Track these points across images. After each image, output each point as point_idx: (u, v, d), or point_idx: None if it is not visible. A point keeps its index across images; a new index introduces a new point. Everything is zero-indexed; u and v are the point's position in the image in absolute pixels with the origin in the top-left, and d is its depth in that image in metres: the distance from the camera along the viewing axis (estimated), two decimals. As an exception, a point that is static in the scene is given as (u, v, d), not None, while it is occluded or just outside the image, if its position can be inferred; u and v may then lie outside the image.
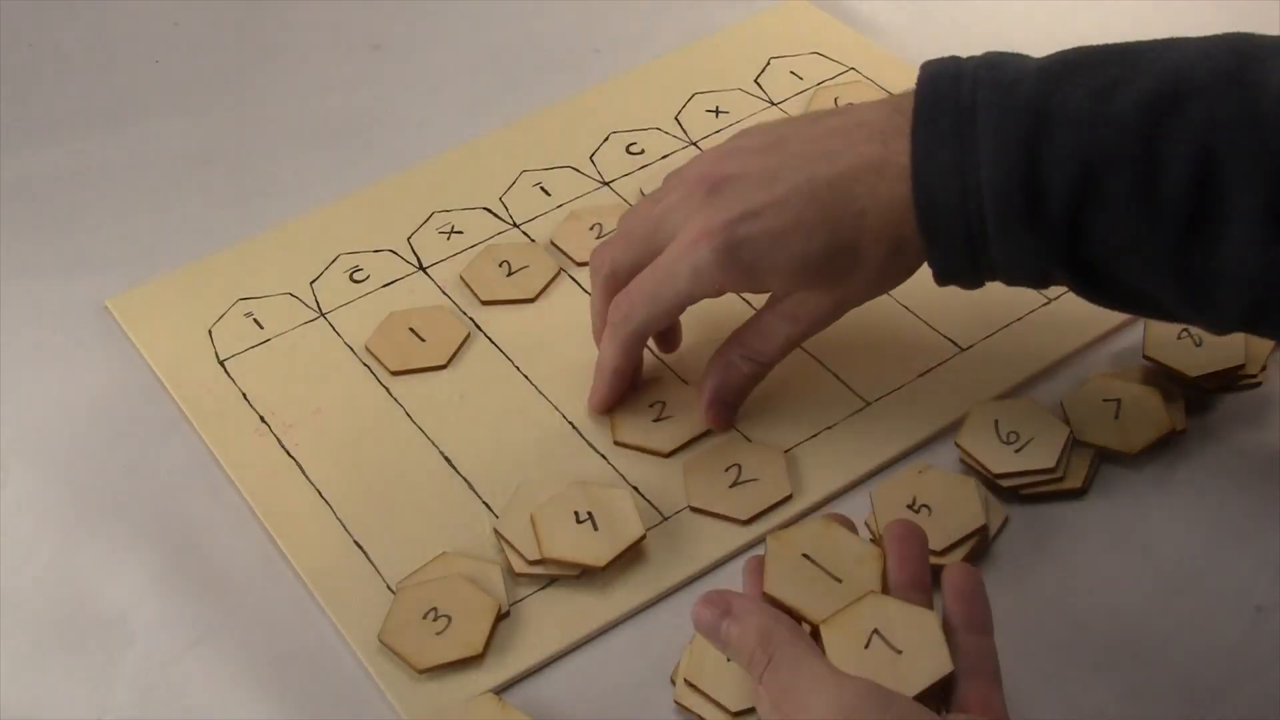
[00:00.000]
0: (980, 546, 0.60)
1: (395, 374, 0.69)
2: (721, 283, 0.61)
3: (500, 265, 0.74)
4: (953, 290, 0.61)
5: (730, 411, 0.65)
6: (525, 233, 0.76)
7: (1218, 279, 0.54)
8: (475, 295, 0.73)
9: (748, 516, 0.62)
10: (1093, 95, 0.55)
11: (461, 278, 0.74)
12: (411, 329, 0.70)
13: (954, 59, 0.59)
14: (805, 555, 0.55)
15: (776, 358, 0.64)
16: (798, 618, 0.53)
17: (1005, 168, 0.55)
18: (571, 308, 0.72)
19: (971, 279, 0.60)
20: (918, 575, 0.54)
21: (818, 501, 0.63)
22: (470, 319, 0.72)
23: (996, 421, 0.64)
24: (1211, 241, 0.54)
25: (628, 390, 0.66)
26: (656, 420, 0.66)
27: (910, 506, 0.61)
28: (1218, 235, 0.53)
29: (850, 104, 0.61)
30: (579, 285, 0.73)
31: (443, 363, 0.69)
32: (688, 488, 0.63)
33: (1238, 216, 0.53)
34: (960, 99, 0.57)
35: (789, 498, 0.63)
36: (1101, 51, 0.58)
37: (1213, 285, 0.55)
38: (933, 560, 0.59)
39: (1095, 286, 0.58)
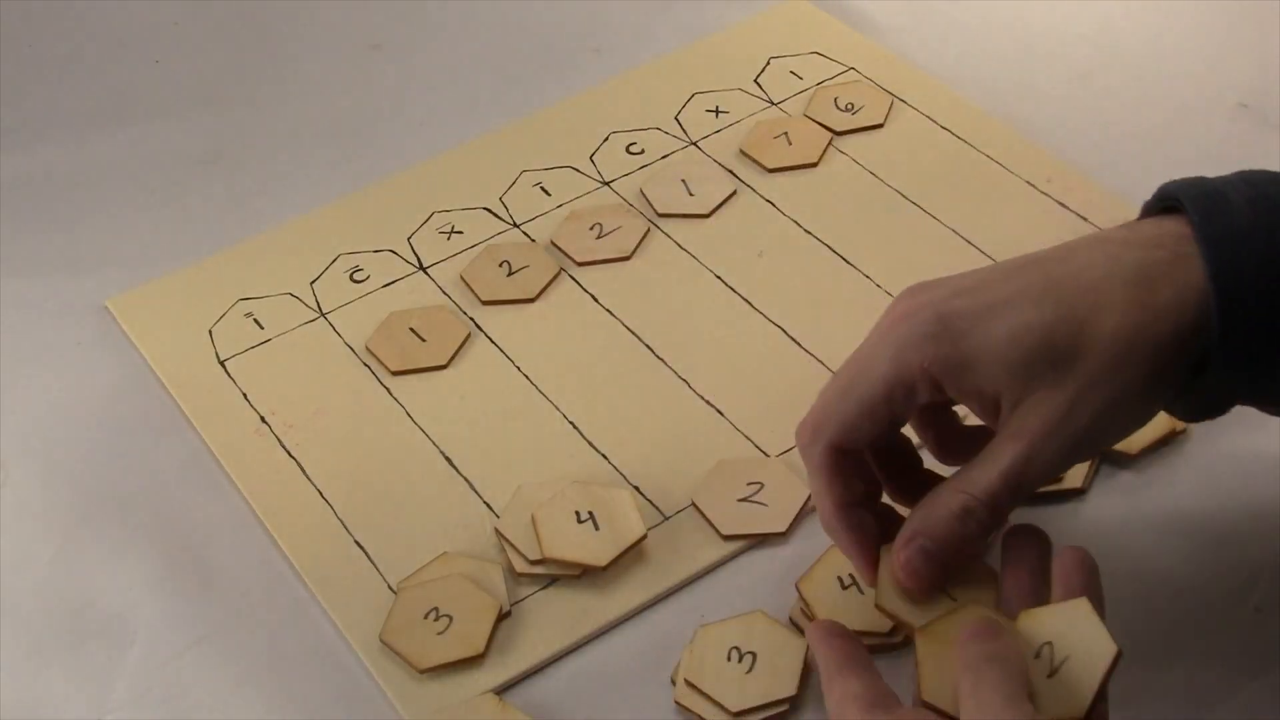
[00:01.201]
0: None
1: (395, 374, 0.69)
2: (929, 357, 0.49)
3: (500, 265, 0.74)
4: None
5: (930, 564, 0.50)
6: (525, 233, 0.76)
7: None
8: (475, 295, 0.73)
9: (785, 527, 0.62)
10: None
11: (462, 277, 0.74)
12: (412, 329, 0.70)
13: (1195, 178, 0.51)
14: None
15: (997, 489, 0.49)
16: None
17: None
18: (572, 308, 0.72)
19: (1262, 377, 0.50)
20: (1032, 580, 0.49)
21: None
22: (470, 319, 0.72)
23: None
24: None
25: (875, 533, 0.53)
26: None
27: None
28: None
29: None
30: (579, 285, 0.73)
31: (443, 363, 0.69)
32: (715, 521, 0.62)
33: None
34: (1238, 204, 0.49)
35: (809, 498, 0.63)
36: None
37: None
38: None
39: None
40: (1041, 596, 0.50)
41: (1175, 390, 0.50)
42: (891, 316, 0.51)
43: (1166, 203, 0.52)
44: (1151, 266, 0.49)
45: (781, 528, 0.62)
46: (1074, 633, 0.48)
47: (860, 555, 0.53)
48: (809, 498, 0.62)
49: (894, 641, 0.57)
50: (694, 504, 0.63)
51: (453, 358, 0.69)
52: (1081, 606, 0.48)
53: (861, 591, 0.58)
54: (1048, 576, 0.50)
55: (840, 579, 0.59)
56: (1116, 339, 0.48)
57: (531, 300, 0.72)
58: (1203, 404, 0.52)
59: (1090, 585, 0.49)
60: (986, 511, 0.49)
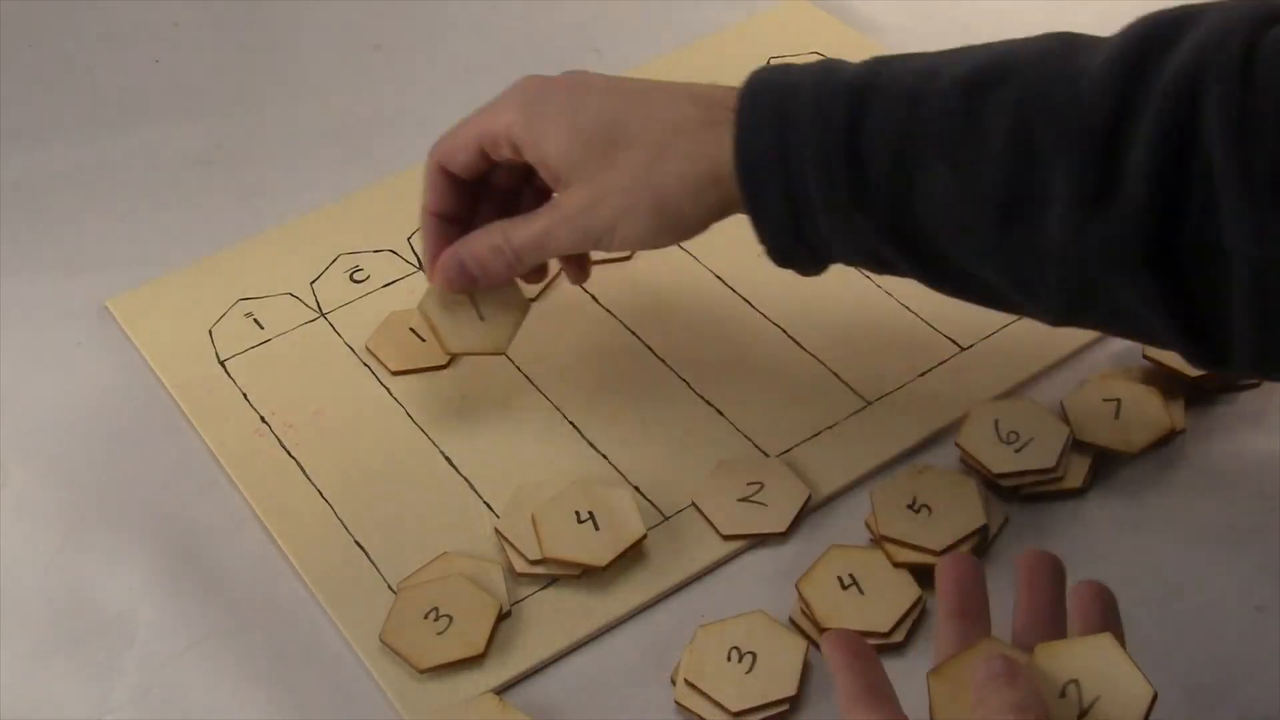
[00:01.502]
0: (980, 546, 0.60)
1: (396, 374, 0.69)
2: (510, 121, 0.61)
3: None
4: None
5: (461, 274, 0.64)
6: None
7: (1040, 261, 0.53)
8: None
9: (785, 527, 0.62)
10: (917, 74, 0.55)
11: None
12: (412, 329, 0.70)
13: (787, 64, 0.59)
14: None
15: (523, 243, 0.62)
16: None
17: (827, 140, 0.55)
18: (572, 308, 0.72)
19: (806, 260, 0.59)
20: (1050, 610, 0.51)
21: (817, 502, 0.63)
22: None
23: (996, 421, 0.64)
24: (1031, 220, 0.53)
25: (446, 228, 0.65)
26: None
27: (910, 506, 0.61)
28: (1037, 214, 0.52)
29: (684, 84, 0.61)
30: (579, 285, 0.73)
31: (443, 363, 0.69)
32: (715, 521, 0.63)
33: (1055, 195, 0.52)
34: (788, 81, 0.57)
35: (809, 498, 0.63)
36: (936, 53, 0.58)
37: (1036, 267, 0.54)
38: (932, 560, 0.59)
39: (928, 269, 0.57)
40: (1059, 628, 0.50)
41: (692, 225, 0.60)
42: (524, 81, 0.63)
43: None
44: (698, 123, 0.58)
45: (781, 527, 0.62)
46: (1102, 670, 0.46)
47: (428, 251, 0.65)
48: (809, 497, 0.63)
49: (894, 642, 0.57)
50: (694, 504, 0.63)
51: (453, 358, 0.69)
52: (1107, 642, 0.47)
53: (861, 591, 0.58)
54: (1064, 606, 0.51)
55: (840, 579, 0.59)
56: (635, 170, 0.59)
57: (532, 300, 0.72)
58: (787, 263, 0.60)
59: (1110, 620, 0.50)
60: (514, 257, 0.63)
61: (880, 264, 0.58)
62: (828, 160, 0.55)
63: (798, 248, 0.58)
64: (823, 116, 0.55)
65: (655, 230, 0.60)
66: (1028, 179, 0.52)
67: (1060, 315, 0.56)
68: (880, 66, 0.56)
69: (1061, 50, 0.54)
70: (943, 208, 0.54)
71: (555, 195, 0.62)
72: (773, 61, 0.60)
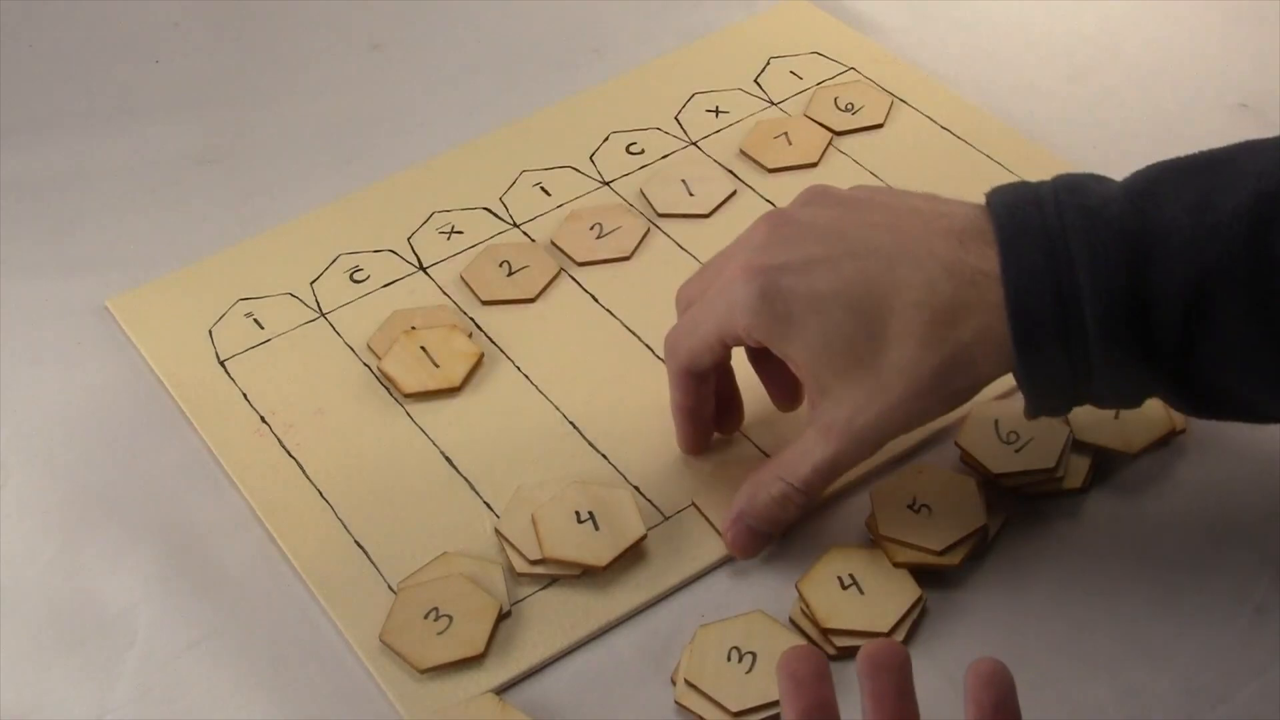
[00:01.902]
0: (980, 546, 0.60)
1: (408, 397, 0.68)
2: (749, 325, 0.57)
3: (500, 265, 0.74)
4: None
5: (755, 540, 0.60)
6: (525, 233, 0.76)
7: None
8: (475, 295, 0.73)
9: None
10: (1190, 209, 0.52)
11: (462, 277, 0.74)
12: (423, 348, 0.69)
13: (1023, 183, 0.56)
14: None
15: (809, 479, 0.58)
16: None
17: (1109, 293, 0.52)
18: (572, 308, 0.72)
19: (1063, 407, 0.57)
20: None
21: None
22: (471, 319, 0.72)
23: (996, 421, 0.64)
24: None
25: (709, 429, 0.64)
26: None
27: (910, 506, 0.61)
28: None
29: (936, 195, 0.58)
30: (579, 285, 0.73)
31: (457, 385, 0.68)
32: (715, 521, 0.62)
33: None
34: (1047, 223, 0.53)
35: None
36: (1184, 163, 0.55)
37: None
38: (932, 560, 0.59)
39: (1201, 402, 0.55)
40: None
41: (974, 391, 0.57)
42: (737, 269, 0.57)
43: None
44: (960, 305, 0.54)
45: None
46: None
47: (686, 434, 0.64)
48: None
49: (883, 630, 0.57)
50: (694, 504, 0.63)
51: (465, 382, 0.69)
52: None
53: (861, 591, 0.58)
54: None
55: (840, 579, 0.59)
56: (917, 371, 0.55)
57: (531, 300, 0.72)
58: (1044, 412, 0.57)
59: (1003, 703, 0.46)
60: (802, 497, 0.59)
61: (1140, 402, 0.57)
62: (1110, 316, 0.52)
63: (1062, 402, 0.56)
64: (1101, 268, 0.52)
65: (944, 412, 0.58)
66: None
67: None
68: (1145, 204, 0.53)
69: None
70: (1235, 348, 0.53)
71: (818, 405, 0.57)
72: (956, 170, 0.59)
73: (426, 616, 0.59)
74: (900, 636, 0.57)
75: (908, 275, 0.55)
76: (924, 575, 0.59)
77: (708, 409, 0.63)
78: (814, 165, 0.78)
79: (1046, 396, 0.56)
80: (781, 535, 0.61)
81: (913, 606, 0.58)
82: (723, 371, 0.63)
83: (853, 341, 0.55)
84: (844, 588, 0.58)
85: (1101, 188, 0.55)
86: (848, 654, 0.57)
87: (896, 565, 0.59)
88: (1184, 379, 0.54)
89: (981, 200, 0.56)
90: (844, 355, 0.55)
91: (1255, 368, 0.53)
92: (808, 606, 0.58)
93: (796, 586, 0.59)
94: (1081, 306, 0.52)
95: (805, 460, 0.58)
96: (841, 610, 0.58)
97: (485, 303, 0.72)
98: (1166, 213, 0.53)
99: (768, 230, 0.58)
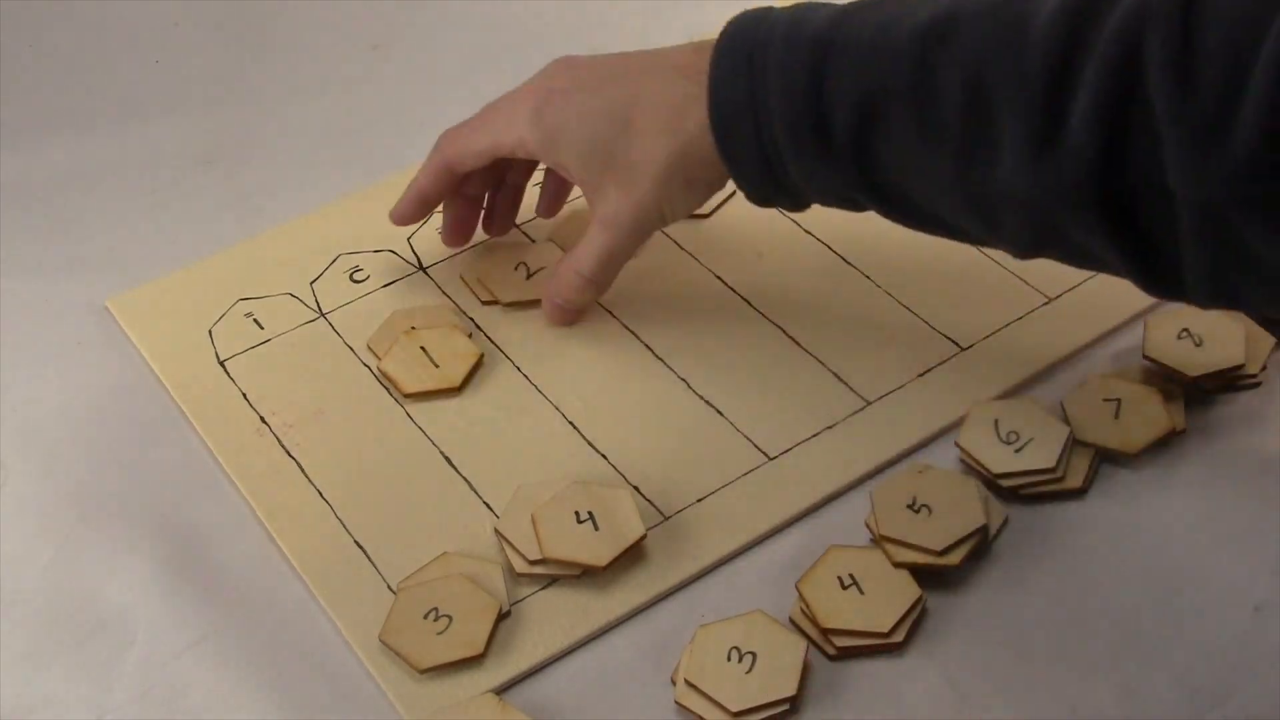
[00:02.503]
0: (980, 546, 0.60)
1: (409, 396, 0.68)
2: (527, 140, 0.66)
3: (501, 265, 0.74)
4: (952, 289, 0.61)
5: (564, 314, 0.70)
6: (525, 233, 0.76)
7: (1000, 201, 0.56)
8: (475, 296, 0.73)
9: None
10: (875, 27, 0.58)
11: (462, 278, 0.73)
12: (423, 348, 0.70)
13: (767, 7, 0.62)
14: None
15: (595, 267, 0.68)
16: None
17: (792, 96, 0.59)
18: (572, 308, 0.72)
19: (786, 203, 0.65)
20: None
21: (817, 501, 0.63)
22: (471, 319, 0.72)
23: (996, 421, 0.64)
24: (987, 165, 0.55)
25: (427, 213, 0.72)
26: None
27: (910, 507, 0.61)
28: (992, 159, 0.55)
29: (664, 47, 0.68)
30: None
31: (457, 385, 0.68)
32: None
33: (1007, 140, 0.54)
34: (758, 35, 0.61)
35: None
36: None
37: (996, 207, 0.57)
38: (932, 560, 0.59)
39: (897, 211, 0.61)
40: None
41: (717, 182, 0.66)
42: (520, 92, 0.68)
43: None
44: (689, 99, 0.63)
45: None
46: None
47: (410, 212, 0.72)
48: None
49: (894, 642, 0.57)
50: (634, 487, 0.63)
51: (465, 382, 0.69)
52: None
53: (861, 591, 0.58)
54: None
55: (840, 579, 0.59)
56: (655, 159, 0.64)
57: (536, 301, 0.72)
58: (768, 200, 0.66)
59: None
60: (595, 282, 0.69)
61: (854, 206, 0.63)
62: (793, 117, 0.59)
63: (775, 193, 0.64)
64: (788, 75, 0.59)
65: (694, 201, 0.67)
66: (983, 125, 0.55)
67: (1027, 251, 0.59)
68: (844, 20, 0.59)
69: None
70: (903, 157, 0.58)
71: (592, 204, 0.67)
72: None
73: (426, 616, 0.59)
74: (900, 637, 0.57)
75: (650, 82, 0.65)
76: (924, 575, 0.59)
77: (439, 203, 0.72)
78: (814, 165, 0.78)
79: (757, 188, 0.64)
80: (581, 313, 0.71)
81: (913, 606, 0.58)
82: (508, 187, 0.74)
83: (610, 143, 0.65)
84: (844, 588, 0.58)
85: (822, 9, 0.61)
86: (848, 654, 0.57)
87: (896, 565, 0.59)
88: (874, 186, 0.60)
89: None
90: (604, 157, 0.65)
91: (928, 181, 0.58)
92: (808, 606, 0.58)
93: (796, 586, 0.59)
94: (770, 105, 0.60)
95: (589, 251, 0.68)
96: (841, 610, 0.58)
97: (485, 303, 0.72)
98: (856, 29, 0.59)
99: (543, 73, 0.68)
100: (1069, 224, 0.55)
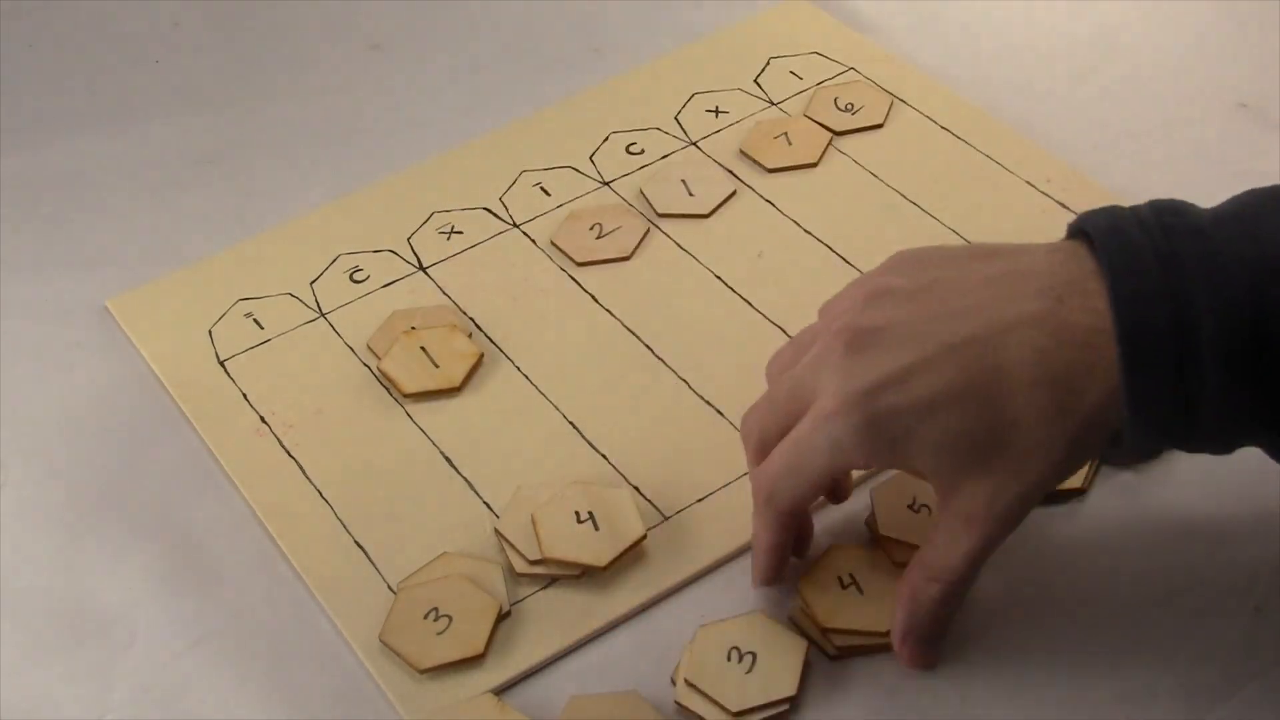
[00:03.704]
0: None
1: (408, 397, 0.68)
2: (865, 460, 0.54)
3: (502, 270, 0.74)
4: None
5: (930, 647, 0.57)
6: (525, 233, 0.76)
7: None
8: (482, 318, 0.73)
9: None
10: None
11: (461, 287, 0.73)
12: (423, 348, 0.70)
13: (1114, 206, 0.53)
14: None
15: (964, 573, 0.55)
16: None
17: (1230, 320, 0.49)
18: (572, 307, 0.72)
19: (1166, 438, 0.53)
20: None
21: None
22: (471, 319, 0.72)
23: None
24: None
25: (787, 561, 0.60)
26: None
27: (910, 506, 0.61)
28: None
29: (1012, 246, 0.55)
30: (579, 285, 0.73)
31: (456, 385, 0.68)
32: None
33: None
34: (1156, 244, 0.51)
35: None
36: (1275, 191, 0.52)
37: None
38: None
39: None
40: None
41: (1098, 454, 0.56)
42: (829, 404, 0.53)
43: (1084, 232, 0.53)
44: (1080, 370, 0.51)
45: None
46: None
47: (770, 572, 0.60)
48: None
49: (884, 630, 0.57)
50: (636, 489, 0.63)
51: (465, 381, 0.69)
52: None
53: (861, 591, 0.58)
54: None
55: (840, 579, 0.59)
56: (1044, 450, 0.52)
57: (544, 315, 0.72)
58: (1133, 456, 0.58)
59: None
60: (961, 588, 0.55)
61: (1230, 447, 0.55)
62: (1231, 350, 0.50)
63: (1165, 440, 0.53)
64: (1224, 301, 0.50)
65: (1076, 471, 0.55)
66: None
67: None
68: (1257, 229, 0.51)
69: None
70: None
71: (950, 499, 0.54)
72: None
73: (426, 617, 0.59)
74: (887, 625, 0.57)
75: (1014, 355, 0.52)
76: (924, 575, 0.59)
77: (799, 537, 0.60)
78: (814, 165, 0.78)
79: (1149, 433, 0.52)
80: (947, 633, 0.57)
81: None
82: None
83: (974, 437, 0.52)
84: (844, 587, 0.58)
85: (1197, 209, 0.52)
86: (848, 653, 0.57)
87: (896, 565, 0.59)
88: None
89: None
90: (968, 453, 0.52)
91: None
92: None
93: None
94: (1199, 333, 0.50)
95: (953, 553, 0.54)
96: (841, 610, 0.58)
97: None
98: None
99: (843, 346, 0.54)
100: None
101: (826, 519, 0.63)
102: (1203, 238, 0.51)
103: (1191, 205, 0.53)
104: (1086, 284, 0.51)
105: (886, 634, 0.57)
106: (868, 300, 0.55)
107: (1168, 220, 0.52)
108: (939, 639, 0.57)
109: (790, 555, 0.60)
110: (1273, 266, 0.50)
